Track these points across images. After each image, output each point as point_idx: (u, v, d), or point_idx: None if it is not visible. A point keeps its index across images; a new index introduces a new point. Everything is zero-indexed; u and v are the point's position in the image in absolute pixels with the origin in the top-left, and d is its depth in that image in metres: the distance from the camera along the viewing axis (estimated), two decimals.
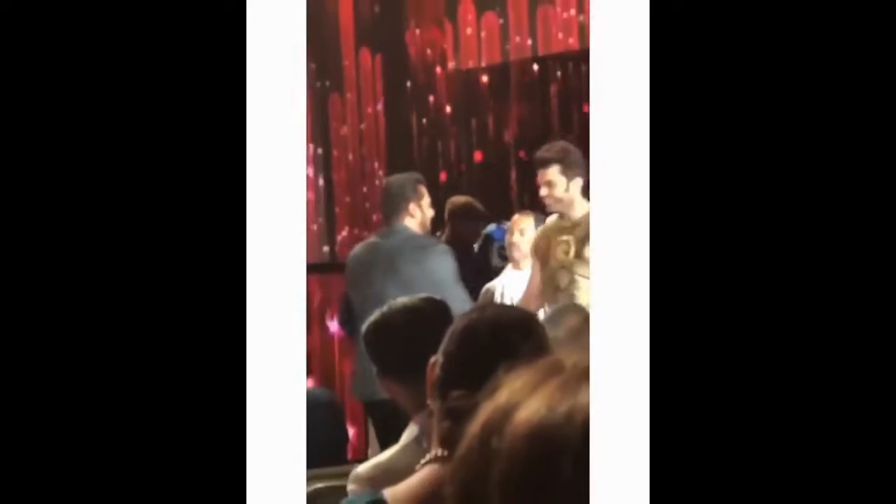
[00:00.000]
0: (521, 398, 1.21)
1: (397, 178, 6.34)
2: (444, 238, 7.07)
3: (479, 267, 7.01)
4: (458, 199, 7.55)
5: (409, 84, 8.88)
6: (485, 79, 8.62)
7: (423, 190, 6.14)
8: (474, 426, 1.23)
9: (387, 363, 3.21)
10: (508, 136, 8.56)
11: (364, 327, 3.32)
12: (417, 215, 6.07)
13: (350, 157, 9.02)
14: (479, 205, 7.46)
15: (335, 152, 8.99)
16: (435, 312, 3.25)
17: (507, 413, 1.21)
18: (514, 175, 8.58)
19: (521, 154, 8.25)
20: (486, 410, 1.23)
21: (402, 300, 3.37)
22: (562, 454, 1.17)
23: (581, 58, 8.09)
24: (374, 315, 3.31)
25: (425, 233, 6.14)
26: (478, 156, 8.67)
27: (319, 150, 9.00)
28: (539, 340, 2.39)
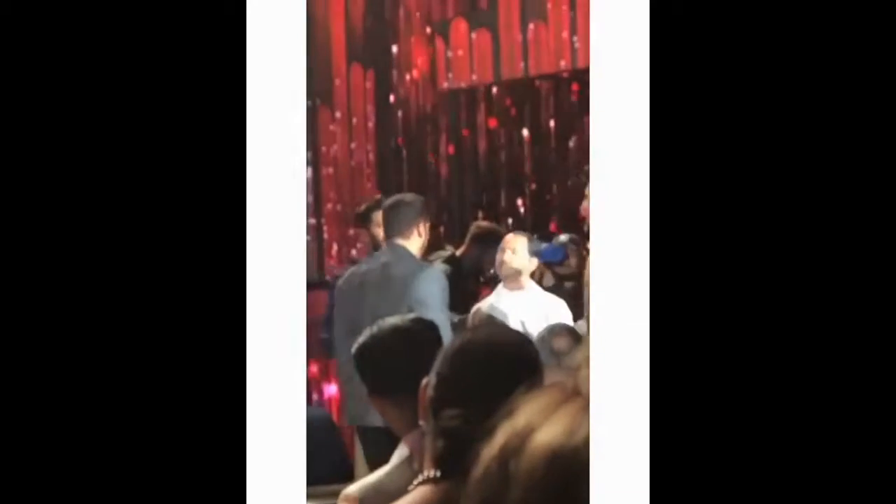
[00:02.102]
0: (538, 422, 1.21)
1: (409, 196, 6.27)
2: (460, 255, 7.12)
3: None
4: (483, 224, 7.58)
5: (396, 100, 8.88)
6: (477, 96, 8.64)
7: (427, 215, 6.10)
8: (491, 449, 1.23)
9: (377, 383, 3.20)
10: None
11: (354, 348, 3.31)
12: (421, 238, 5.98)
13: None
14: (503, 232, 7.42)
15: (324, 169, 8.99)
16: (424, 332, 3.25)
17: (524, 436, 1.21)
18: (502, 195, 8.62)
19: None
20: (503, 434, 1.23)
21: (391, 320, 3.36)
22: (580, 478, 1.18)
23: (574, 77, 8.11)
24: (364, 336, 3.30)
25: (420, 256, 6.10)
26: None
27: (309, 170, 8.99)
28: (532, 361, 2.38)
